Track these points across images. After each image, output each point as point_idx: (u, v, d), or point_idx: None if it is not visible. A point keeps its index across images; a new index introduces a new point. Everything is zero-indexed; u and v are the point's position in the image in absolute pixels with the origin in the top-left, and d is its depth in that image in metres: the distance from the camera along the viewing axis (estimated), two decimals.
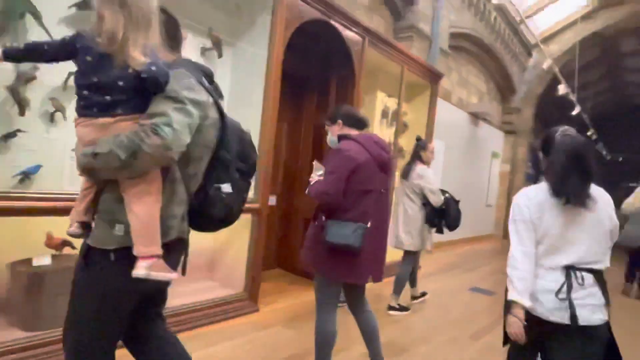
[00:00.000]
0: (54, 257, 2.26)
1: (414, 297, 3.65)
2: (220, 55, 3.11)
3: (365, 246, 1.79)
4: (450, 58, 6.74)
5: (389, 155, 1.92)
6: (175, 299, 2.78)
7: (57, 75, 2.37)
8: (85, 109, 1.13)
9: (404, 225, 3.34)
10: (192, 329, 2.57)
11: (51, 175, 2.39)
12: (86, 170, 1.11)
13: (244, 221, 3.07)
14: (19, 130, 2.22)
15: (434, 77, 5.17)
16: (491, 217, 9.45)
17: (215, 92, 1.37)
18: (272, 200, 3.87)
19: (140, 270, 1.11)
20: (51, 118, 2.38)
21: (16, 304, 2.13)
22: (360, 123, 2.01)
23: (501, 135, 9.60)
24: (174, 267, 1.27)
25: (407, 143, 5.39)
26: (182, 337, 2.52)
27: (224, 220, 1.39)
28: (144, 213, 1.12)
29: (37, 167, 2.31)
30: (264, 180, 3.00)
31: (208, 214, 1.31)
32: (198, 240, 3.39)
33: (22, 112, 2.21)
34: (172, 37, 1.31)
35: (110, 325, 1.23)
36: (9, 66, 2.18)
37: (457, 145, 7.41)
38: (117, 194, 1.14)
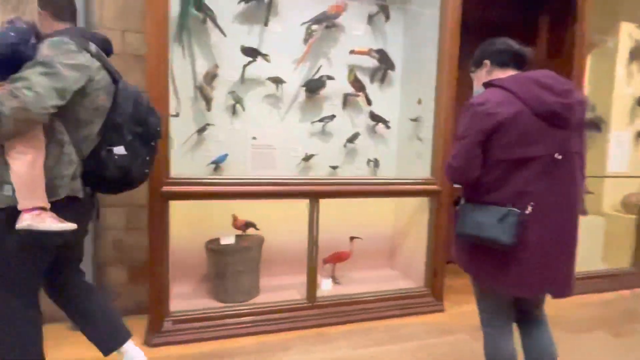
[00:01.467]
0: (238, 237, 2.47)
1: None
2: (387, 18, 2.76)
3: (530, 242, 1.18)
4: None
5: (567, 101, 1.17)
6: (351, 286, 2.66)
7: (234, 70, 2.57)
8: None
9: None
10: (364, 321, 2.37)
11: (236, 162, 2.62)
12: None
13: (422, 205, 2.66)
14: (208, 124, 2.52)
15: None
16: None
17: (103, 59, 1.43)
18: None
19: (22, 222, 1.21)
20: (233, 110, 2.60)
21: (211, 278, 2.43)
22: (517, 59, 1.32)
23: None
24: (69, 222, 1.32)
25: None
26: (348, 328, 2.43)
27: (122, 181, 1.45)
28: (21, 170, 1.22)
29: (225, 156, 2.57)
30: (444, 154, 2.49)
31: (102, 176, 1.39)
32: (377, 225, 3.25)
33: (209, 108, 2.49)
34: (59, 8, 1.42)
35: (22, 280, 1.33)
36: (197, 68, 2.48)
37: None
38: (3, 157, 1.24)
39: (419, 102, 2.67)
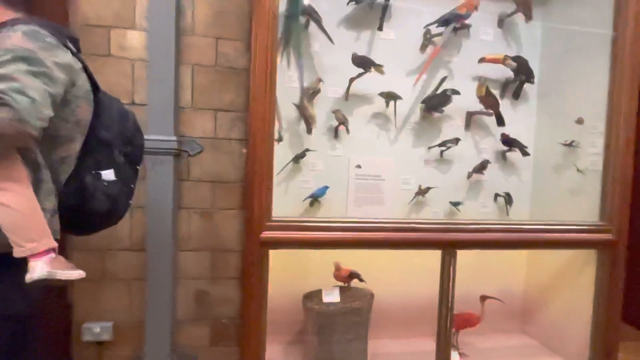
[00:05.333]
0: (342, 290, 1.95)
1: None
2: (529, 18, 2.19)
3: None
4: None
5: None
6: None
7: (337, 84, 2.12)
8: None
9: None
10: None
11: (336, 196, 2.14)
12: None
13: (582, 258, 2.00)
14: (307, 150, 2.07)
15: None
16: None
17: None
18: None
19: (36, 271, 0.92)
20: (335, 133, 2.13)
21: (310, 342, 1.93)
22: None
23: None
24: None
25: None
26: None
27: (107, 216, 1.15)
28: (16, 201, 0.92)
29: (325, 189, 2.09)
30: (621, 193, 1.84)
31: (87, 208, 1.08)
32: (505, 279, 2.54)
33: (309, 130, 2.04)
34: None
35: None
36: (295, 83, 2.06)
37: None
38: None
39: (580, 121, 2.05)
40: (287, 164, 2.05)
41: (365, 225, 1.65)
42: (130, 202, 1.25)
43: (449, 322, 1.74)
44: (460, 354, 2.09)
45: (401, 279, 2.22)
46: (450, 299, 1.74)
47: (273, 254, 2.00)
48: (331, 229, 1.63)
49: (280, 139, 1.84)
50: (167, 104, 1.72)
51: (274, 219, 1.57)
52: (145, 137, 1.66)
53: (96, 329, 1.78)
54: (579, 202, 2.07)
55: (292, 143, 2.09)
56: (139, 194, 1.78)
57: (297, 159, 2.06)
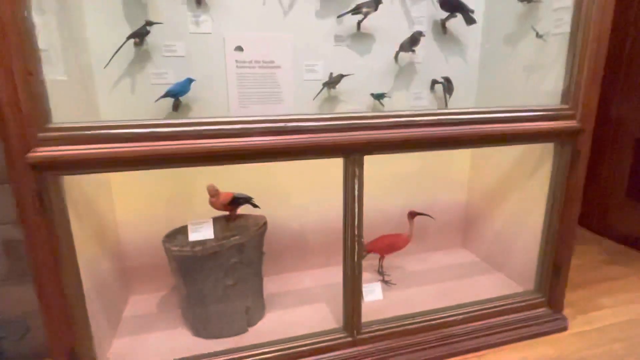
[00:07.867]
0: (221, 221, 1.43)
1: None
2: None
3: None
4: None
5: None
6: (410, 289, 1.67)
7: None
8: None
9: None
10: None
11: (211, 94, 1.52)
12: None
13: (536, 156, 1.55)
14: (150, 23, 1.37)
15: None
16: None
17: None
18: None
19: None
20: None
21: (181, 296, 1.44)
22: None
23: None
24: None
25: None
26: None
27: None
28: None
29: (187, 83, 1.45)
30: (593, 63, 1.31)
31: None
32: (443, 187, 1.72)
33: None
34: None
35: None
36: None
37: None
38: None
39: None
40: (122, 46, 1.37)
41: (216, 129, 1.06)
42: None
43: (356, 246, 1.27)
44: (385, 282, 1.70)
45: (306, 199, 1.74)
46: (356, 218, 1.24)
47: (122, 181, 1.43)
48: (166, 136, 1.02)
49: None
50: None
51: (54, 126, 0.94)
52: None
53: None
54: (537, 82, 1.55)
55: (129, 15, 1.38)
56: None
57: (138, 37, 1.37)
